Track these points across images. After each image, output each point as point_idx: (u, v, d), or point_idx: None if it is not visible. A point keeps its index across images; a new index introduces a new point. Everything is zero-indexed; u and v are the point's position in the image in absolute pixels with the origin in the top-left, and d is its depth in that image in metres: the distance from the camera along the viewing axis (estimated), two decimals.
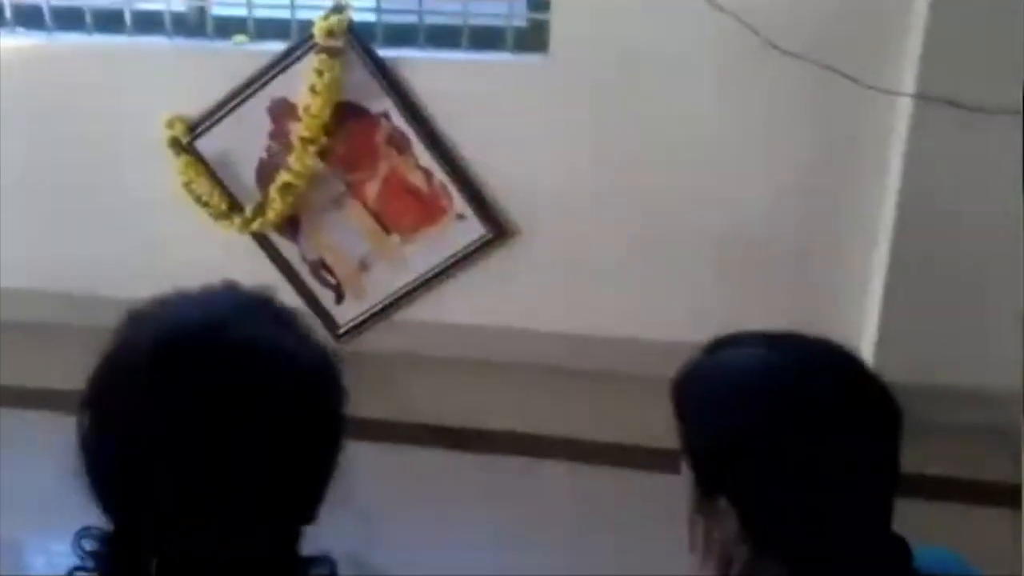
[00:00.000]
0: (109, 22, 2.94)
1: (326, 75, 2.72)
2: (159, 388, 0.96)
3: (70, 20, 2.95)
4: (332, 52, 2.70)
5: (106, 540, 0.99)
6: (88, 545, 0.99)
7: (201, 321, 1.01)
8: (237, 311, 1.03)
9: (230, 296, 1.07)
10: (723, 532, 1.06)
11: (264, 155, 2.89)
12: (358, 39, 2.73)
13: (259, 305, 1.06)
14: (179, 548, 0.96)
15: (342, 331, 3.06)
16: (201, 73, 2.88)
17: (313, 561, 1.03)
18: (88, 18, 2.92)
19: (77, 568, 0.99)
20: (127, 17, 2.90)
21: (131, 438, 0.96)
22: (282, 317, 1.05)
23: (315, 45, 2.72)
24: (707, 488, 1.08)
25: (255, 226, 2.90)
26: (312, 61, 2.73)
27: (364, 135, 2.83)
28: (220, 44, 2.88)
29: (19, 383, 2.90)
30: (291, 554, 1.03)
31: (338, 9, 2.70)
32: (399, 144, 2.82)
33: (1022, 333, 2.41)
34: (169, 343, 0.98)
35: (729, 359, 1.12)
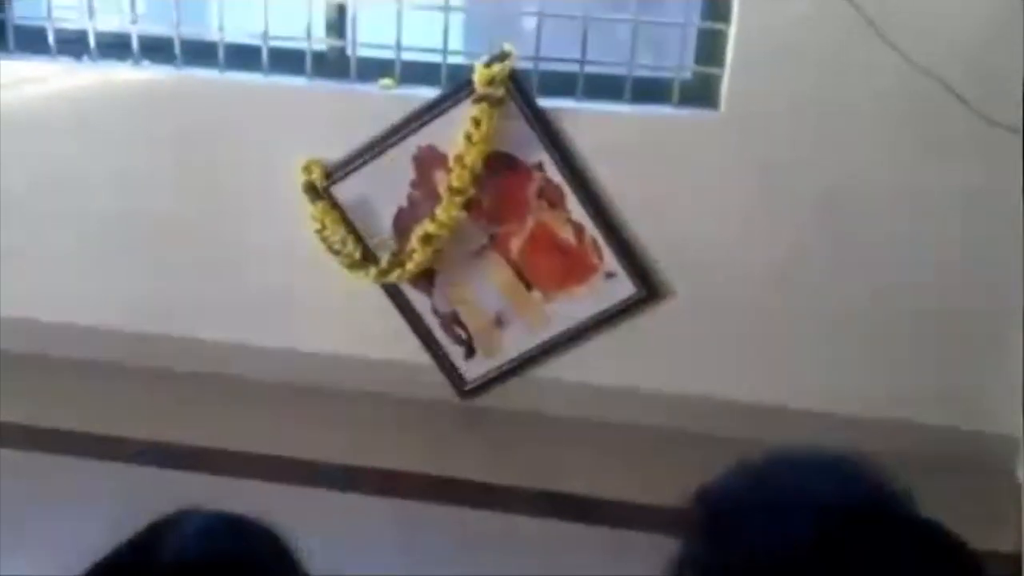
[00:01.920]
0: (243, 59, 2.79)
1: (484, 124, 2.59)
2: None
3: (201, 55, 2.80)
4: (492, 101, 2.58)
5: None
6: None
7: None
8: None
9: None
10: None
11: (404, 204, 2.75)
12: (519, 88, 2.61)
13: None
14: None
15: (469, 387, 2.93)
16: (341, 116, 2.74)
17: None
18: (221, 54, 2.78)
19: None
20: (263, 54, 2.76)
21: None
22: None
23: (473, 93, 2.61)
24: None
25: (392, 277, 2.76)
26: (467, 109, 2.61)
27: (515, 187, 2.70)
28: (363, 87, 2.75)
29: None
30: None
31: (502, 57, 2.58)
32: (551, 197, 2.70)
33: None
34: None
35: (783, 483, 0.95)
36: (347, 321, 2.90)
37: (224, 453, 2.67)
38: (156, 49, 2.83)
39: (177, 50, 2.78)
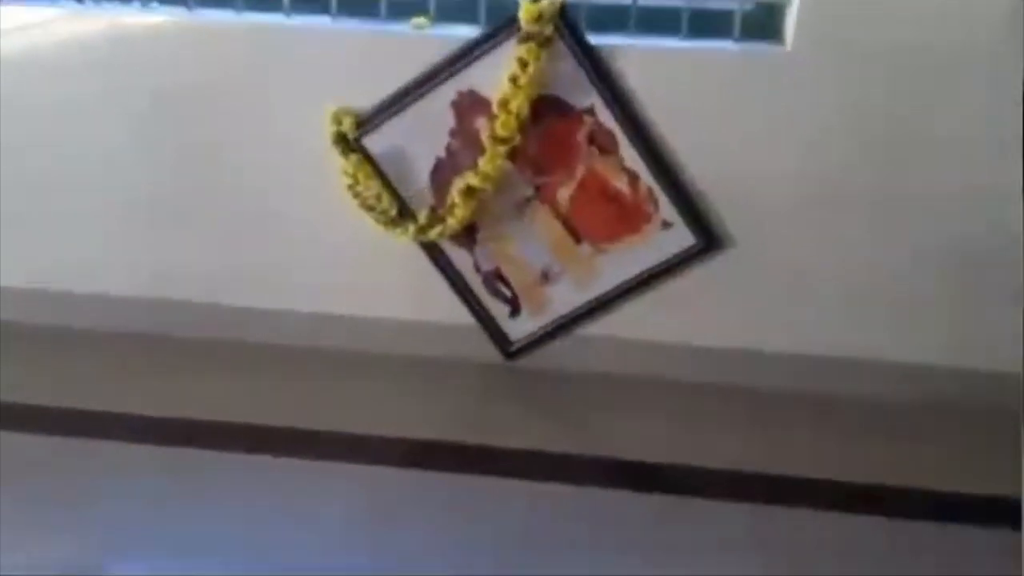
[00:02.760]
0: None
1: (531, 66, 2.37)
2: None
3: None
4: (540, 40, 2.36)
5: None
6: None
7: None
8: None
9: None
10: None
11: (443, 155, 2.55)
12: (568, 25, 2.39)
13: None
14: None
15: (515, 348, 2.75)
16: (371, 61, 2.50)
17: None
18: None
19: None
20: None
21: None
22: None
23: (519, 31, 2.39)
24: None
25: (432, 234, 2.56)
26: (512, 49, 2.39)
27: (563, 133, 2.49)
28: (395, 27, 2.52)
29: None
30: None
31: None
32: (603, 143, 2.50)
33: None
34: None
35: None
36: (381, 281, 2.71)
37: (249, 427, 2.52)
38: None
39: None
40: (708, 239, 2.55)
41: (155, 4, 2.57)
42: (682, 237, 2.56)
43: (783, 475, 2.44)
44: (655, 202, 2.54)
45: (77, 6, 2.59)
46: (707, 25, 2.46)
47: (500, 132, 2.44)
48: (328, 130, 2.52)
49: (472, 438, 2.52)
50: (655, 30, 2.47)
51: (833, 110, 2.40)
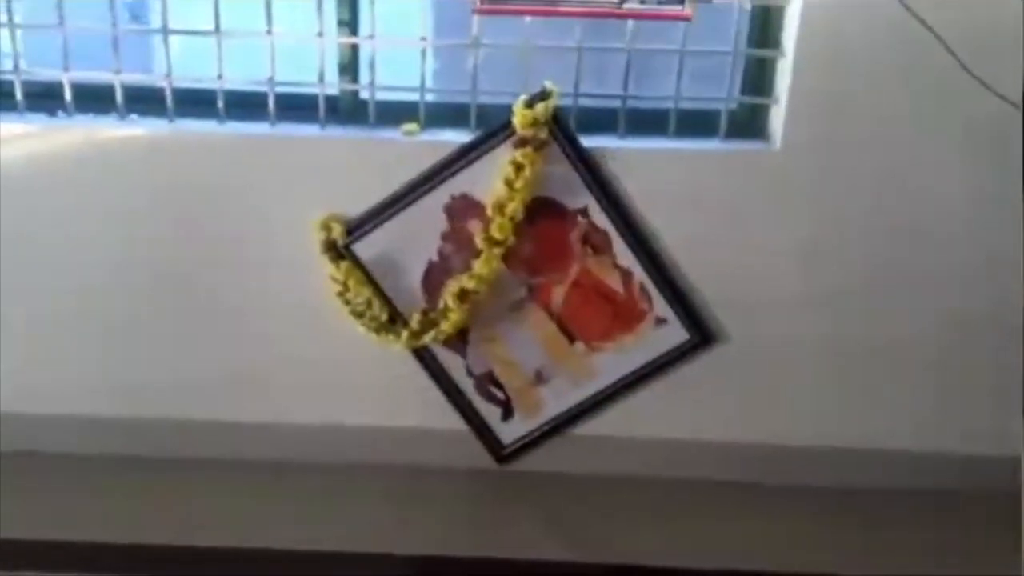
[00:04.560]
0: (246, 108, 2.51)
1: (527, 169, 2.37)
2: None
3: (197, 106, 2.51)
4: (536, 144, 2.37)
5: None
6: None
7: None
8: None
9: None
10: None
11: (435, 258, 2.52)
12: (562, 129, 2.41)
13: None
14: None
15: (508, 451, 2.70)
16: (359, 167, 2.48)
17: None
18: (220, 103, 2.49)
19: None
20: (270, 102, 2.49)
21: None
22: None
23: (512, 135, 2.39)
24: None
25: (426, 339, 2.51)
26: (505, 153, 2.40)
27: (557, 234, 2.49)
28: (383, 133, 2.50)
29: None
30: None
31: (543, 96, 2.38)
32: (596, 243, 2.50)
33: None
34: None
35: None
36: (371, 388, 2.64)
37: (234, 551, 2.37)
38: (144, 100, 2.52)
39: (169, 101, 2.48)
40: (702, 334, 2.56)
41: (134, 116, 2.51)
42: (676, 333, 2.56)
43: (787, 573, 2.44)
44: (649, 299, 2.55)
45: (47, 120, 2.51)
46: (694, 125, 2.52)
47: (496, 235, 2.43)
48: (317, 238, 2.48)
49: (465, 550, 2.44)
50: (644, 131, 2.52)
51: (822, 203, 2.47)
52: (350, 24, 2.50)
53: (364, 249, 2.51)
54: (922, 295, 2.54)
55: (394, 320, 2.54)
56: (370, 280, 2.52)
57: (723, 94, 2.49)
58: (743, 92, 2.52)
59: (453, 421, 2.66)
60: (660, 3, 2.39)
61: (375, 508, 2.57)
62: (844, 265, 2.51)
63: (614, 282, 2.54)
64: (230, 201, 2.50)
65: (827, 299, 2.54)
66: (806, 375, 2.61)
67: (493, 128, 2.42)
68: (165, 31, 2.45)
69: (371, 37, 2.47)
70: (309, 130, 2.51)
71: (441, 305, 2.51)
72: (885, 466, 2.65)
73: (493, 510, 2.63)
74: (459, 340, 2.59)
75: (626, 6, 2.40)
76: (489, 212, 2.43)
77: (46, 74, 2.50)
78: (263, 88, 2.48)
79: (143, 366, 2.62)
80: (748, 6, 2.43)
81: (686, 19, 2.39)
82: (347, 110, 2.56)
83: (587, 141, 2.44)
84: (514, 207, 2.41)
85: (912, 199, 2.45)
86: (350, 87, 2.54)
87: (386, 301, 2.53)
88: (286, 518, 2.49)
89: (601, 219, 2.48)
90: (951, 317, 2.55)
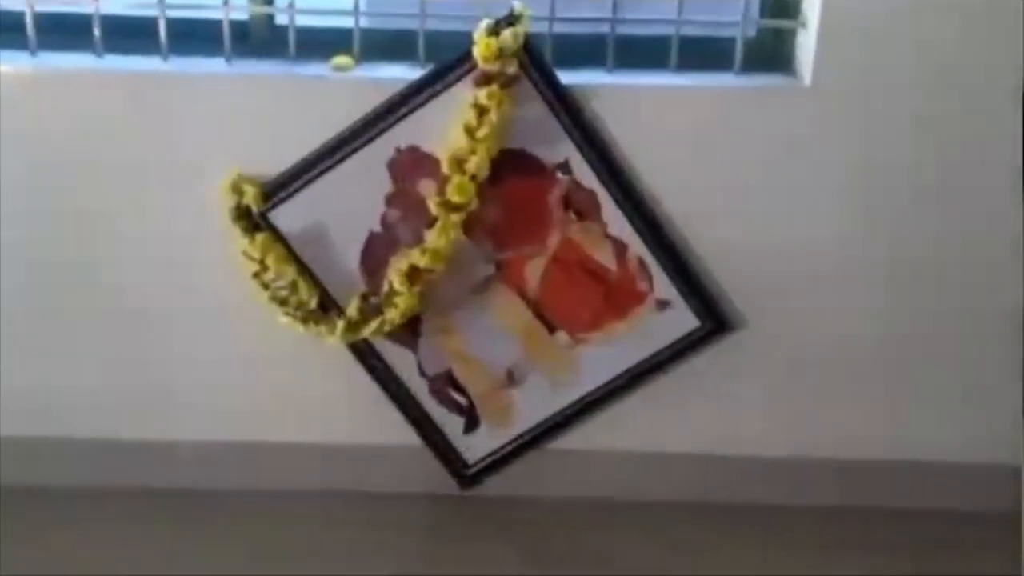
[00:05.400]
0: (130, 38, 2.00)
1: (492, 113, 1.86)
2: None
3: (66, 35, 1.99)
4: (503, 81, 1.86)
5: None
6: None
7: None
8: None
9: None
10: None
11: (377, 229, 2.01)
12: (535, 63, 1.91)
13: None
14: None
15: (473, 471, 2.20)
16: (278, 112, 1.96)
17: None
18: (96, 31, 1.96)
19: None
20: (160, 29, 1.96)
21: None
22: None
23: (473, 71, 1.89)
24: None
25: (367, 331, 2.01)
26: (464, 93, 1.90)
27: (531, 195, 1.99)
28: (308, 69, 1.99)
29: None
30: None
31: (511, 20, 1.87)
32: (582, 206, 2.00)
33: None
34: None
35: None
36: (298, 397, 2.14)
37: None
38: (7, 30, 1.99)
39: (31, 29, 1.96)
40: (715, 320, 2.08)
41: None
42: (682, 319, 2.08)
43: None
44: (648, 277, 2.05)
45: None
46: (702, 56, 2.03)
47: (453, 197, 1.92)
48: (225, 204, 1.97)
49: None
50: (639, 64, 2.03)
51: (863, 152, 1.98)
52: None
53: (286, 218, 1.99)
54: (982, 270, 2.07)
55: (326, 308, 2.04)
56: (294, 257, 2.01)
57: (738, 17, 1.99)
58: (763, 14, 2.05)
59: (404, 435, 2.16)
60: None
61: (305, 544, 2.07)
62: (893, 230, 2.04)
63: (604, 256, 2.04)
64: (111, 157, 1.97)
65: (870, 276, 2.06)
66: (848, 372, 2.14)
67: (448, 62, 1.91)
68: None
69: None
70: (211, 65, 1.99)
71: (386, 288, 2.01)
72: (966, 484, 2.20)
73: (455, 545, 2.13)
74: (409, 332, 2.09)
75: None
76: (445, 169, 1.92)
77: None
78: (152, 12, 1.97)
79: (4, 376, 2.10)
80: None
81: None
82: (260, 39, 2.06)
83: (567, 77, 1.94)
84: (477, 162, 1.90)
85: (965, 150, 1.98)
86: (263, 10, 2.03)
87: (315, 283, 2.03)
88: (194, 552, 1.98)
89: (587, 176, 1.98)
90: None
